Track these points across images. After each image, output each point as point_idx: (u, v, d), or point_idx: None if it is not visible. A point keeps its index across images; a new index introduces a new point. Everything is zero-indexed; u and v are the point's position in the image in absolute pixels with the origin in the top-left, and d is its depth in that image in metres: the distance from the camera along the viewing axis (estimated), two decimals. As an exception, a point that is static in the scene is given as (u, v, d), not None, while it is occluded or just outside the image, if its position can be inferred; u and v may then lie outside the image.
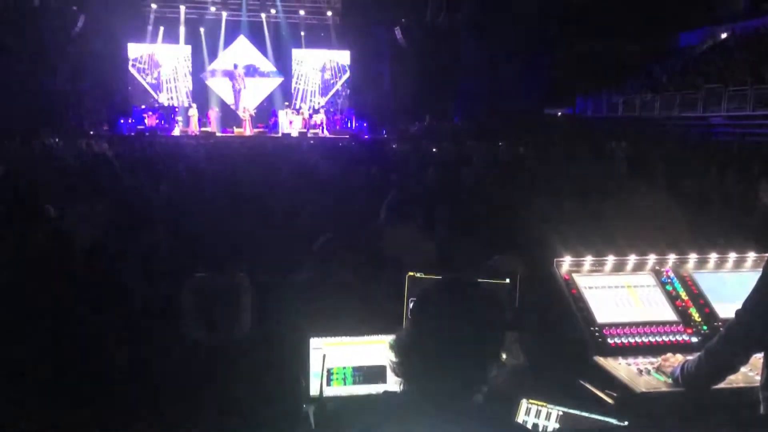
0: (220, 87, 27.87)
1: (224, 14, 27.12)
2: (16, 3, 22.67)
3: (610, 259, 2.98)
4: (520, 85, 23.97)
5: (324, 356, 2.24)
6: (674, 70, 24.32)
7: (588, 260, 2.94)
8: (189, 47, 27.54)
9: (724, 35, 25.06)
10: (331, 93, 29.13)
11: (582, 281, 2.88)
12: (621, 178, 7.17)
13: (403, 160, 12.11)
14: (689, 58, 25.12)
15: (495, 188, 6.90)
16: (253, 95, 28.05)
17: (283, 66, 28.42)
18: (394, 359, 1.60)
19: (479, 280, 2.30)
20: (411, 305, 2.41)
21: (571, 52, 22.50)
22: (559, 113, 25.94)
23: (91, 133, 22.71)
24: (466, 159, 12.27)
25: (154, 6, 26.36)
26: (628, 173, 7.66)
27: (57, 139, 17.49)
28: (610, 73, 23.82)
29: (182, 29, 27.13)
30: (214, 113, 25.74)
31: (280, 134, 25.14)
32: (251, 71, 28.17)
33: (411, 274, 2.42)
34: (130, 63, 27.22)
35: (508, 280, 2.36)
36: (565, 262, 2.91)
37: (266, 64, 28.25)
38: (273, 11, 27.32)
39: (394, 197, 4.56)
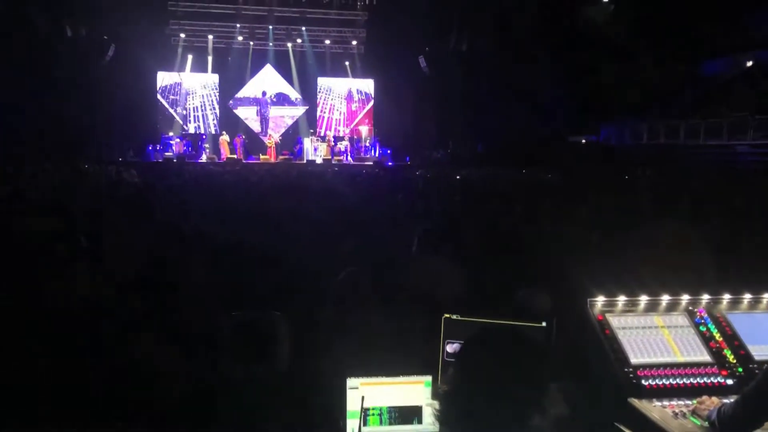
0: (246, 115, 28.29)
1: (251, 43, 27.59)
2: (49, 32, 23.23)
3: (643, 300, 2.98)
4: (544, 112, 23.98)
5: (363, 398, 2.26)
6: (699, 97, 24.20)
7: (621, 300, 2.94)
8: (216, 76, 28.03)
9: (749, 63, 24.92)
10: (356, 121, 29.38)
11: (615, 321, 2.87)
12: (647, 210, 7.12)
13: (427, 188, 12.14)
14: (714, 86, 24.98)
15: (520, 218, 6.88)
16: (278, 123, 28.41)
17: (309, 94, 28.82)
18: (437, 407, 1.63)
19: (516, 323, 2.35)
20: (447, 348, 2.43)
21: (595, 79, 22.45)
22: (583, 141, 25.88)
23: (120, 159, 23.09)
24: (491, 187, 12.29)
25: (182, 35, 26.89)
26: (655, 204, 7.61)
27: (87, 166, 17.75)
28: (634, 100, 23.76)
29: (210, 58, 27.62)
30: (240, 141, 26.04)
31: (305, 161, 25.37)
32: (277, 99, 28.55)
33: (447, 316, 2.45)
34: (159, 91, 27.72)
35: (544, 324, 2.38)
36: (598, 302, 2.91)
37: (292, 93, 28.64)
38: (299, 41, 27.79)
39: (425, 229, 4.57)
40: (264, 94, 28.26)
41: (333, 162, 25.29)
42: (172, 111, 27.86)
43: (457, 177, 16.31)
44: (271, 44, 27.73)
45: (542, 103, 23.82)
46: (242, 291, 3.55)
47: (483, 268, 3.88)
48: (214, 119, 28.12)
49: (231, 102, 28.19)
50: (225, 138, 25.76)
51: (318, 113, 29.12)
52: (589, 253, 4.27)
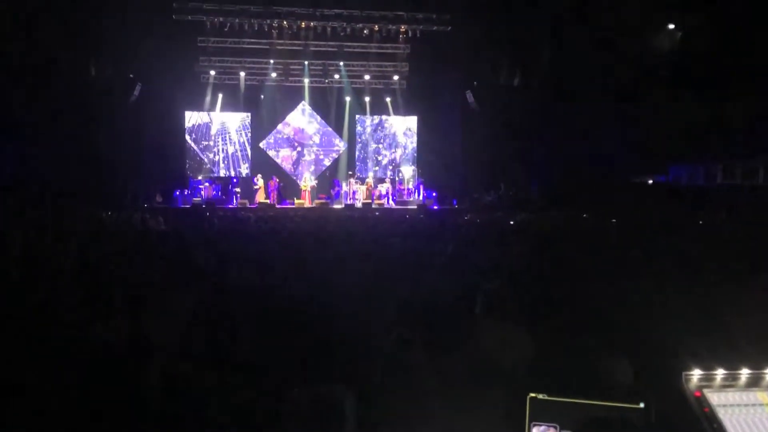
0: (280, 156, 28.75)
1: (286, 80, 28.07)
2: (73, 72, 23.87)
3: (744, 373, 2.90)
4: (605, 150, 23.78)
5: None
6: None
7: (719, 374, 2.87)
8: (248, 115, 28.63)
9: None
10: (404, 163, 29.59)
11: (714, 398, 2.80)
12: (733, 262, 6.96)
13: (479, 235, 12.08)
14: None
15: (590, 272, 6.79)
16: (314, 164, 28.77)
17: (347, 133, 29.18)
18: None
19: (612, 404, 2.30)
20: (533, 431, 2.39)
21: (662, 115, 22.22)
22: (650, 181, 25.55)
23: (145, 205, 23.53)
24: (551, 234, 12.18)
25: (212, 73, 27.50)
26: (741, 256, 7.44)
27: (110, 213, 18.08)
28: (707, 136, 23.44)
29: (241, 96, 28.25)
30: (274, 184, 26.39)
31: (343, 205, 25.56)
32: (313, 139, 28.95)
33: (533, 395, 2.41)
34: (187, 132, 28.35)
35: (642, 405, 2.32)
36: (694, 377, 2.85)
37: (329, 132, 29.02)
38: (336, 76, 28.20)
39: (488, 287, 4.54)
40: (297, 134, 28.71)
41: (373, 206, 25.43)
42: (200, 153, 28.42)
43: (511, 222, 16.24)
44: (306, 81, 28.23)
45: (604, 140, 23.64)
46: (294, 357, 3.55)
47: (556, 332, 3.83)
48: (245, 161, 28.60)
49: (264, 143, 28.67)
50: (260, 182, 26.14)
51: (357, 153, 29.45)
52: (674, 316, 4.18)
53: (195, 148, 28.42)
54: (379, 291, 5.45)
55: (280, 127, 28.79)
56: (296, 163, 28.82)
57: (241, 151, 28.66)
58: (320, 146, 29.13)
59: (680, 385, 2.81)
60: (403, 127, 29.71)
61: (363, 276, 6.24)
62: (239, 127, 28.68)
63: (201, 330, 3.74)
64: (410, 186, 28.38)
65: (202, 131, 28.51)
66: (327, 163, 29.13)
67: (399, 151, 29.77)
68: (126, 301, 4.37)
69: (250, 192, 26.43)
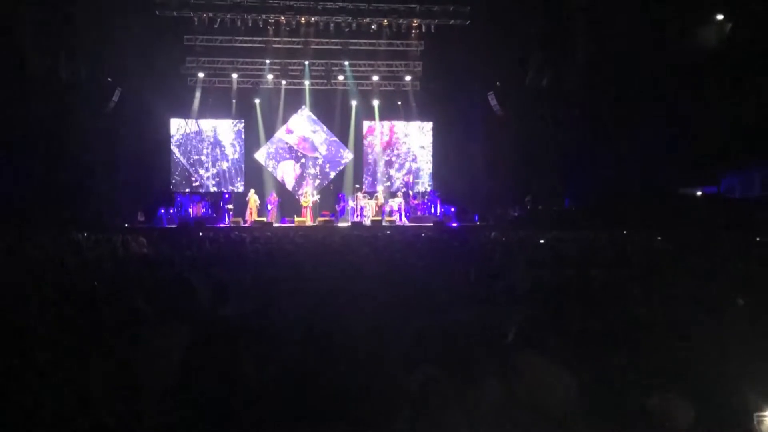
0: (279, 168, 28.86)
1: (284, 83, 28.25)
2: (43, 75, 23.81)
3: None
4: (647, 159, 23.73)
5: None
6: None
7: (796, 416, 2.85)
8: (242, 122, 28.76)
9: None
10: (418, 175, 29.60)
11: (792, 443, 2.78)
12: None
13: (506, 256, 12.03)
14: None
15: (638, 298, 6.75)
16: (317, 177, 28.84)
17: (353, 142, 29.28)
18: None
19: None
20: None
21: (712, 116, 22.15)
22: (699, 193, 25.46)
23: (126, 225, 23.56)
24: (589, 254, 12.13)
25: (201, 75, 27.69)
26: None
27: (86, 234, 18.06)
28: (762, 142, 23.36)
29: (234, 101, 28.40)
30: (273, 200, 26.45)
31: (349, 223, 25.58)
32: (315, 149, 29.02)
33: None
34: (173, 141, 28.47)
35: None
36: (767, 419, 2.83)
37: (333, 140, 29.12)
38: (341, 78, 28.31)
39: (525, 316, 4.51)
40: (297, 143, 28.76)
41: (384, 224, 25.42)
42: (187, 165, 28.48)
43: (541, 241, 16.19)
44: (307, 83, 28.35)
45: (646, 147, 23.58)
46: (307, 404, 3.53)
47: (607, 369, 3.79)
48: (238, 174, 28.66)
49: (263, 153, 28.75)
50: (253, 197, 26.17)
51: (364, 165, 29.51)
52: (743, 349, 4.14)
53: (182, 159, 28.52)
54: (397, 324, 5.42)
55: (280, 135, 28.92)
56: (296, 175, 28.89)
57: (233, 162, 28.73)
58: (325, 157, 29.22)
59: (752, 427, 2.79)
60: (417, 134, 29.78)
61: (379, 307, 6.21)
62: (231, 135, 28.78)
63: (198, 376, 3.72)
64: (425, 200, 28.39)
65: (190, 140, 28.63)
66: (330, 176, 29.24)
67: (413, 163, 29.79)
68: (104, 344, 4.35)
69: (244, 209, 26.49)
